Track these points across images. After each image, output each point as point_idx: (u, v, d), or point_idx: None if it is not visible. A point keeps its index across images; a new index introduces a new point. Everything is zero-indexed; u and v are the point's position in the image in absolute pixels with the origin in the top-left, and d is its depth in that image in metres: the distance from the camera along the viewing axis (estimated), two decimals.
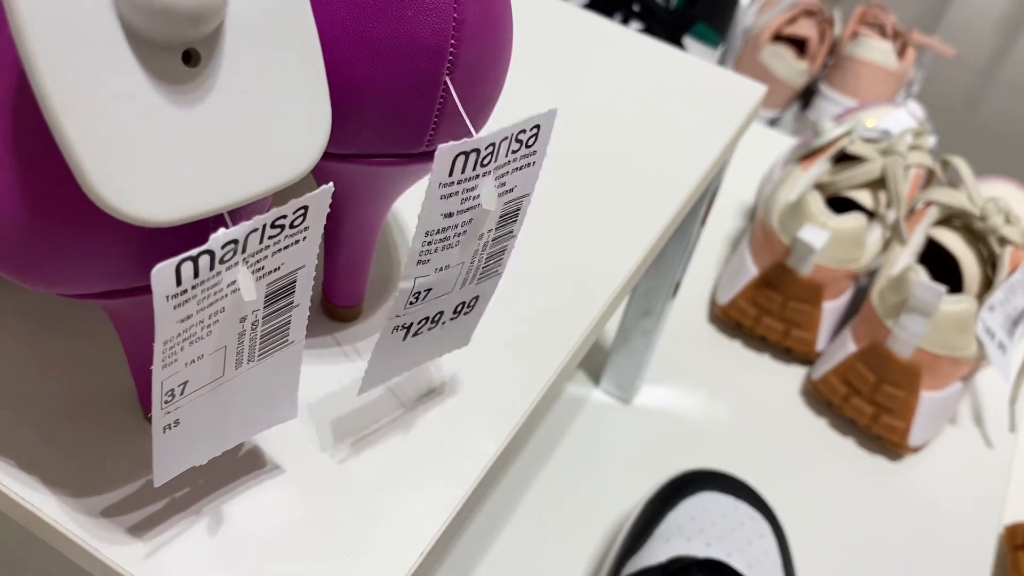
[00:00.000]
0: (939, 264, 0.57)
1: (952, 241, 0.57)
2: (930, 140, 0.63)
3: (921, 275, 0.51)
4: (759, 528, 0.43)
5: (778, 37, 0.98)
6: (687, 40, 0.62)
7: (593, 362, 0.56)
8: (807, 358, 0.59)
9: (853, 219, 0.55)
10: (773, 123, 1.02)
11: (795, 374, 0.59)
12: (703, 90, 0.43)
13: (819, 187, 0.59)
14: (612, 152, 0.39)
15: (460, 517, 0.26)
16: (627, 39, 0.45)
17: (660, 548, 0.41)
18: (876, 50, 0.93)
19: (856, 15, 0.99)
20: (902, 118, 0.66)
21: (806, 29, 0.99)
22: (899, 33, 0.98)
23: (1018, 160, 1.53)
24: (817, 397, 0.57)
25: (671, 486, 0.45)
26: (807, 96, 1.01)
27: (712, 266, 0.64)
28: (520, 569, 0.47)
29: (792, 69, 0.95)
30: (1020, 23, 1.93)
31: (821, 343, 0.58)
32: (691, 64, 0.44)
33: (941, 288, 0.50)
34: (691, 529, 0.42)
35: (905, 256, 0.56)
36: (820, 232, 0.54)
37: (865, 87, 0.93)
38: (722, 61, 0.68)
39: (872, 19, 0.99)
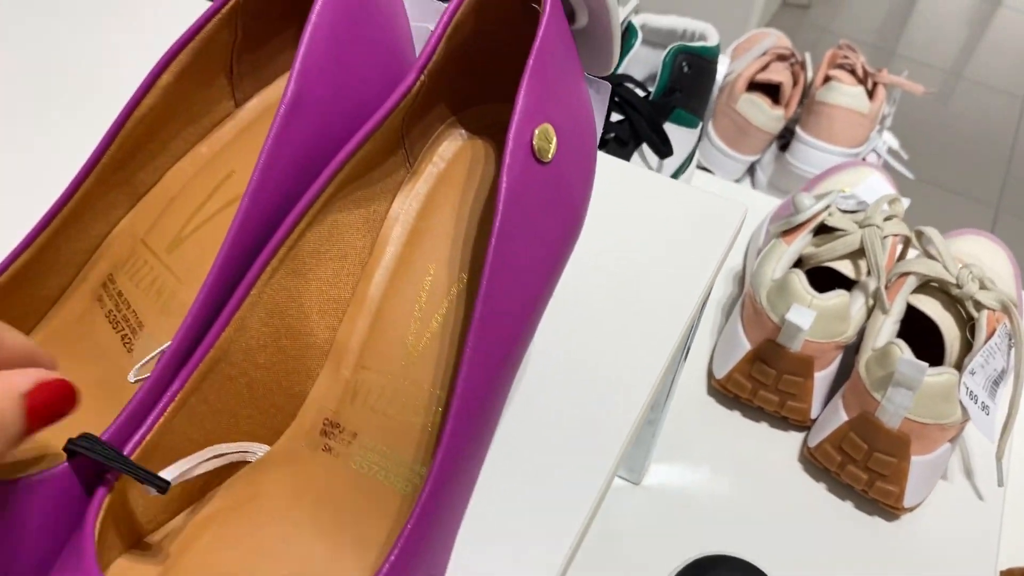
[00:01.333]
0: (919, 327, 0.60)
1: (931, 307, 0.60)
2: (904, 204, 0.66)
3: (905, 351, 0.54)
4: None
5: (752, 84, 1.02)
6: (668, 125, 0.65)
7: None
8: (803, 424, 0.62)
9: (836, 296, 0.58)
10: (753, 165, 1.06)
11: (793, 440, 0.62)
12: (694, 213, 0.46)
13: (802, 259, 0.63)
14: (620, 278, 0.42)
15: None
16: (626, 172, 0.48)
17: None
18: (847, 95, 0.96)
19: (826, 59, 1.02)
20: (876, 184, 0.70)
21: (779, 74, 1.03)
22: (869, 74, 1.01)
23: (985, 168, 1.57)
24: (814, 464, 0.60)
25: (687, 572, 0.48)
26: (785, 135, 1.04)
27: (707, 335, 0.67)
28: None
29: (768, 116, 0.99)
30: (978, 26, 1.98)
31: (815, 410, 0.61)
32: (681, 190, 0.47)
33: (924, 365, 0.53)
34: None
35: (888, 325, 0.59)
36: (807, 312, 0.57)
37: (839, 130, 0.97)
38: (700, 137, 0.71)
39: (842, 60, 1.02)
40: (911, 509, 0.58)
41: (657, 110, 0.62)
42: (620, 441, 0.36)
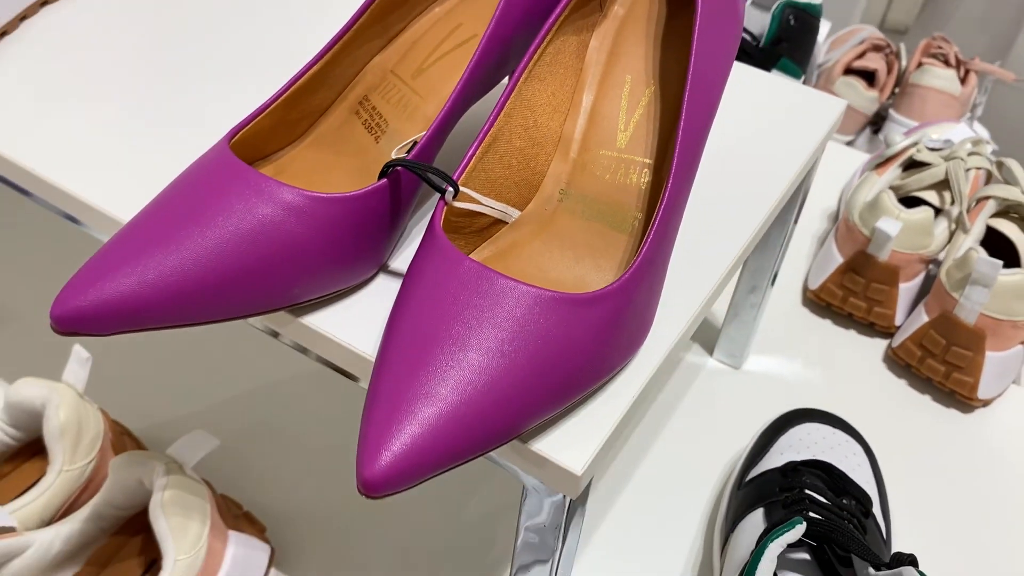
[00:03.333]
0: (999, 249, 0.68)
1: (1010, 229, 0.67)
2: (988, 147, 0.74)
3: (981, 253, 0.62)
4: (853, 448, 0.54)
5: (849, 70, 1.10)
6: (774, 72, 0.74)
7: (707, 336, 0.69)
8: (888, 331, 0.70)
9: (921, 211, 0.66)
10: (848, 145, 1.14)
11: (878, 345, 0.70)
12: (796, 105, 0.55)
13: (892, 189, 0.71)
14: (727, 153, 0.52)
15: (627, 419, 0.37)
16: (739, 70, 0.58)
17: (776, 459, 0.53)
18: (940, 77, 1.04)
19: (920, 47, 1.10)
20: (963, 130, 0.78)
21: (875, 62, 1.11)
22: (961, 61, 1.08)
23: None
24: (897, 362, 0.68)
25: (780, 420, 0.57)
26: (877, 121, 1.12)
27: (803, 260, 0.76)
28: (660, 489, 0.59)
29: (863, 98, 1.07)
30: None
31: (899, 318, 0.69)
32: (786, 84, 0.57)
33: (998, 262, 0.60)
34: (799, 447, 0.53)
35: (968, 241, 0.66)
36: (894, 223, 0.65)
37: (931, 111, 1.04)
38: None
39: (935, 50, 1.10)
40: (985, 403, 0.65)
41: (766, 55, 0.72)
42: (715, 278, 0.43)
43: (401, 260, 0.41)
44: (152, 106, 0.48)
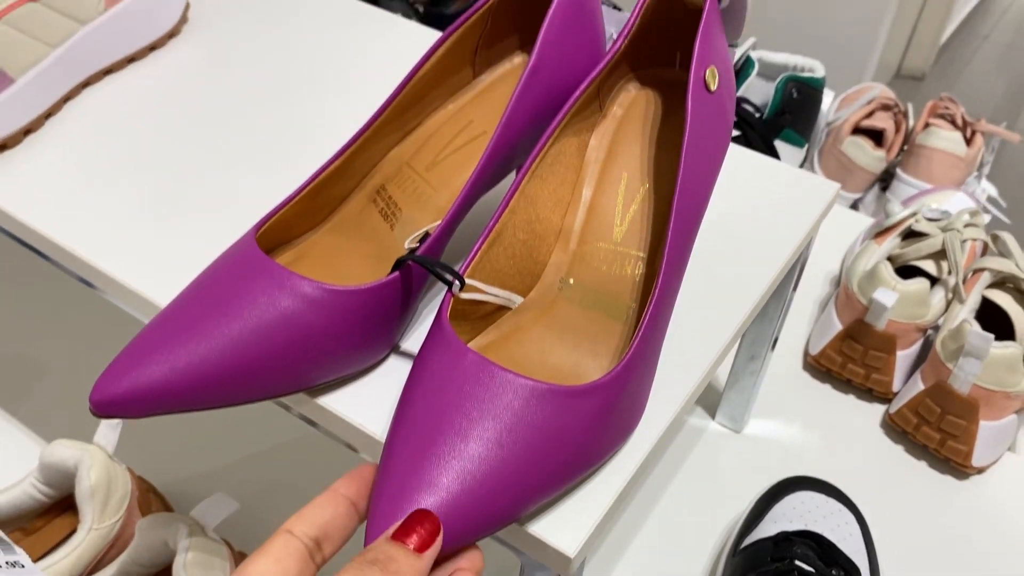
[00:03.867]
0: (995, 319, 0.70)
1: (1004, 300, 0.69)
2: (985, 218, 0.76)
3: (975, 326, 0.64)
4: (845, 517, 0.56)
5: (857, 129, 1.13)
6: (777, 143, 0.77)
7: (710, 399, 0.71)
8: (886, 397, 0.72)
9: (917, 283, 0.68)
10: (856, 203, 1.16)
11: (876, 410, 0.72)
12: (790, 187, 0.58)
13: (890, 259, 0.73)
14: (723, 235, 0.54)
15: (620, 500, 0.40)
16: (734, 152, 0.61)
17: (769, 527, 0.55)
18: (945, 139, 1.06)
19: (927, 108, 1.12)
20: (962, 200, 0.80)
21: (883, 121, 1.14)
22: (968, 122, 1.11)
23: None
24: (894, 428, 0.70)
25: (775, 487, 0.59)
26: (886, 179, 1.14)
27: (805, 324, 0.78)
28: (659, 552, 0.61)
29: (871, 157, 1.09)
30: None
31: (897, 384, 0.71)
32: (783, 169, 0.60)
33: (990, 336, 0.63)
34: (792, 516, 0.55)
35: (963, 312, 0.69)
36: (891, 293, 0.68)
37: (937, 172, 1.06)
38: (807, 156, 0.83)
39: (942, 110, 1.12)
40: (980, 470, 0.67)
41: (769, 127, 0.75)
42: (709, 358, 0.46)
43: (412, 341, 0.44)
44: (181, 189, 0.52)
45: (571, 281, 0.43)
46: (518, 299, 0.43)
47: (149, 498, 0.57)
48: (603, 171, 0.45)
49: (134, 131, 0.56)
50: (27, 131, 0.54)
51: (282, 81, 0.61)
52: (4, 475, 0.59)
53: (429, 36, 0.67)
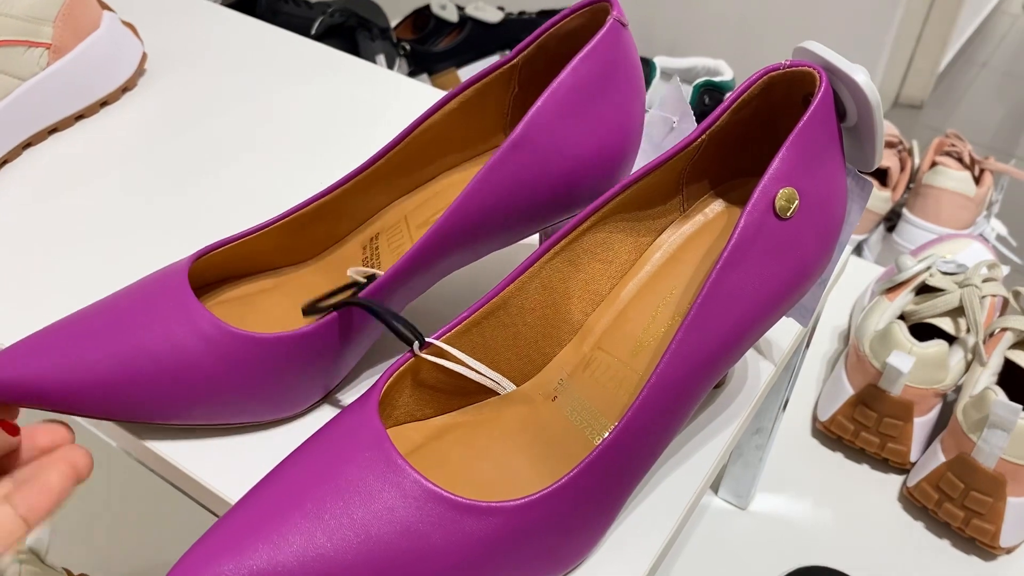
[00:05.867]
0: (1018, 381, 0.65)
1: None
2: (1003, 271, 0.71)
3: (1000, 395, 0.59)
4: None
5: None
6: None
7: None
8: (903, 467, 0.66)
9: (935, 345, 0.63)
10: (861, 245, 1.11)
11: (893, 481, 0.66)
12: None
13: (904, 316, 0.68)
14: None
15: None
16: None
17: None
18: (954, 179, 1.01)
19: (933, 146, 1.08)
20: (978, 251, 0.75)
21: (888, 160, 1.09)
22: (976, 161, 1.06)
23: None
24: (913, 503, 0.64)
25: None
26: (892, 219, 1.10)
27: (813, 385, 0.73)
28: None
29: (876, 197, 1.05)
30: None
31: (915, 454, 0.65)
32: None
33: (1018, 407, 0.57)
34: None
35: (985, 376, 0.63)
36: (907, 358, 0.62)
37: (946, 213, 1.02)
38: None
39: (949, 148, 1.08)
40: (1009, 550, 0.61)
41: None
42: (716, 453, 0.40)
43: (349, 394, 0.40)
44: (132, 264, 0.47)
45: (570, 386, 0.37)
46: (510, 385, 0.37)
47: None
48: (655, 277, 0.39)
49: (78, 201, 0.51)
50: None
51: (250, 137, 0.56)
52: None
53: (415, 88, 0.62)
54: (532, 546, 0.31)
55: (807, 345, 0.56)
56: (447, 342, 0.35)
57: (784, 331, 0.46)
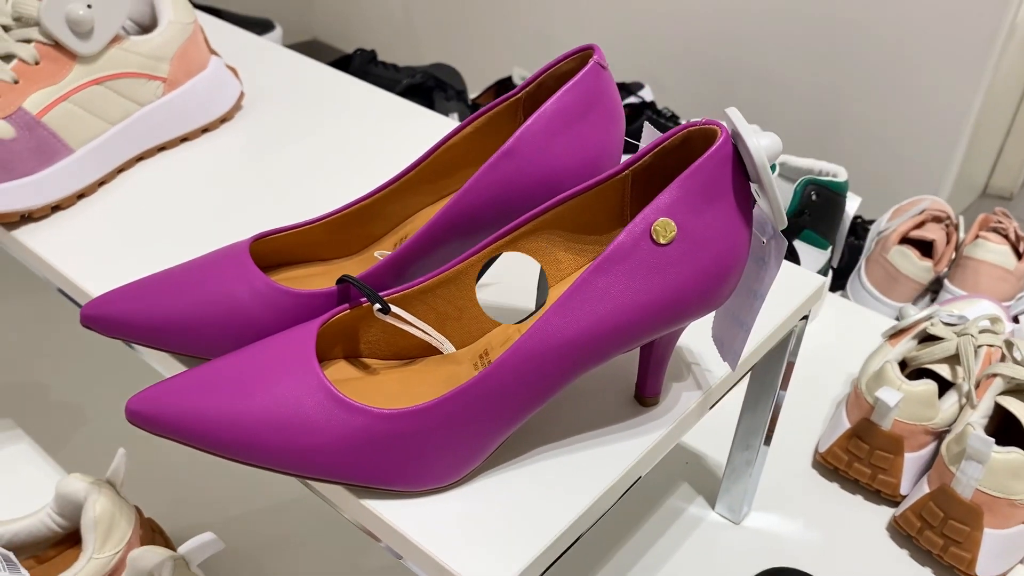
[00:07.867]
0: (1011, 427, 0.68)
1: (1018, 408, 0.68)
2: (1008, 327, 0.75)
3: (977, 430, 0.63)
4: None
5: (906, 239, 1.13)
6: (797, 243, 0.79)
7: (711, 488, 0.71)
8: (894, 499, 0.70)
9: (923, 384, 0.68)
10: (901, 309, 1.15)
11: (883, 512, 0.70)
12: (783, 280, 0.59)
13: (905, 361, 0.73)
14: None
15: (553, 551, 0.42)
16: None
17: None
18: (993, 251, 1.05)
19: (978, 221, 1.11)
20: (985, 307, 0.79)
21: (934, 232, 1.13)
22: (1021, 237, 1.09)
23: None
24: (899, 531, 0.68)
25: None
26: (936, 289, 1.13)
27: (820, 424, 0.78)
28: None
29: (917, 267, 1.09)
30: None
31: (906, 487, 0.69)
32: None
33: (990, 440, 0.61)
34: None
35: (974, 418, 0.67)
36: (895, 393, 0.67)
37: (985, 284, 1.05)
38: (830, 260, 0.84)
39: (995, 224, 1.11)
40: None
41: (788, 228, 0.77)
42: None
43: None
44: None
45: (489, 356, 0.45)
46: (450, 347, 0.45)
47: (154, 537, 0.61)
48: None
49: (176, 205, 0.62)
50: (80, 195, 0.62)
51: (321, 163, 0.67)
52: (29, 505, 0.64)
53: None
54: (397, 450, 0.39)
55: (783, 387, 0.61)
56: (403, 299, 0.44)
57: (717, 363, 0.52)
